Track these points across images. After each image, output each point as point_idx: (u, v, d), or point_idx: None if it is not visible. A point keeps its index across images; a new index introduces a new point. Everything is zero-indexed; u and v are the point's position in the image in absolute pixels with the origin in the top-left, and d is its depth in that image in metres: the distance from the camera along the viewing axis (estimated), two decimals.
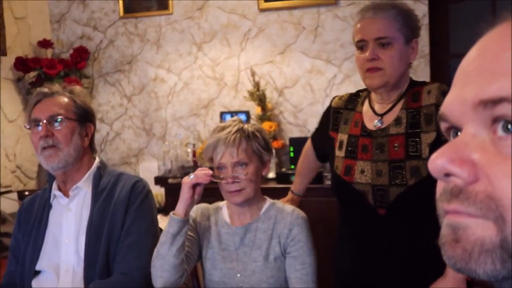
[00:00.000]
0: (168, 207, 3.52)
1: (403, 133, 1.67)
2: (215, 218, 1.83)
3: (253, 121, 3.77)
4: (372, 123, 1.78)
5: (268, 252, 1.73)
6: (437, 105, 1.61)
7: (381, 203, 1.68)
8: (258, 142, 1.74)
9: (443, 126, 0.54)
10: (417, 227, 1.66)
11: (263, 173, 1.79)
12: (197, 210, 1.84)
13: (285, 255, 1.73)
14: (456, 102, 0.51)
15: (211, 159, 1.76)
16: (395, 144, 1.68)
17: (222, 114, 3.81)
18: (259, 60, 3.77)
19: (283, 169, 3.59)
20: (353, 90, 1.96)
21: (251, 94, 3.65)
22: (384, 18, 1.67)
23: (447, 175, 0.49)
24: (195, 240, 1.79)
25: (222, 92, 3.87)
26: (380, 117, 1.76)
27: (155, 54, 3.98)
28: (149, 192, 1.88)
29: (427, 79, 3.46)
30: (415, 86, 1.75)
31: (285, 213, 1.76)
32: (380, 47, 1.65)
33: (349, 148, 1.80)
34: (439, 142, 1.57)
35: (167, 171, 3.72)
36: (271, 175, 3.50)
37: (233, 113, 3.79)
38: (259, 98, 3.63)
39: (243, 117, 3.77)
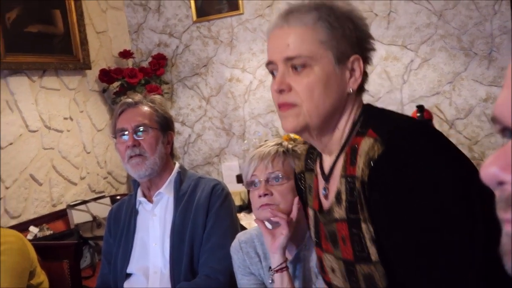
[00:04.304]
0: (250, 204, 3.57)
1: (345, 219, 1.09)
2: (263, 251, 1.64)
3: None
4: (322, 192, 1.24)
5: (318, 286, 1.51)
6: (363, 181, 1.02)
7: None
8: None
9: (496, 128, 0.51)
10: None
11: None
12: (242, 249, 1.66)
13: None
14: (505, 105, 0.48)
15: (247, 182, 1.58)
16: (342, 235, 1.11)
17: None
18: None
19: None
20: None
21: None
22: (297, 26, 1.11)
23: (501, 183, 0.46)
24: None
25: None
26: (325, 182, 1.20)
27: (229, 55, 4.05)
28: (227, 194, 1.93)
29: None
30: (358, 134, 1.11)
31: None
32: (294, 72, 1.11)
33: (315, 230, 1.29)
34: (383, 237, 1.01)
35: None
36: None
37: None
38: None
39: None
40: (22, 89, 3.30)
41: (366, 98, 1.23)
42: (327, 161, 1.19)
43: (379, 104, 3.82)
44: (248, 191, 1.61)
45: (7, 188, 3.10)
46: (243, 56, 4.01)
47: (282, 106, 1.13)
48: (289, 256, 1.57)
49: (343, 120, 1.15)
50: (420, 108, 3.21)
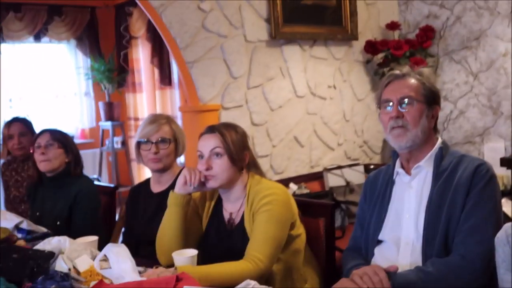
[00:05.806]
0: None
1: None
2: None
3: None
4: None
5: None
6: None
7: None
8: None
9: None
10: None
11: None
12: (510, 243, 1.53)
13: None
14: None
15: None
16: None
17: None
18: None
19: None
20: None
21: None
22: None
23: None
24: None
25: None
26: None
27: (507, 27, 3.70)
28: (493, 176, 1.81)
29: None
30: None
31: None
32: None
33: None
34: None
35: None
36: None
37: None
38: None
39: None
40: (294, 57, 3.57)
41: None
42: None
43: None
44: None
45: (274, 146, 3.43)
46: None
47: None
48: None
49: None
50: None
